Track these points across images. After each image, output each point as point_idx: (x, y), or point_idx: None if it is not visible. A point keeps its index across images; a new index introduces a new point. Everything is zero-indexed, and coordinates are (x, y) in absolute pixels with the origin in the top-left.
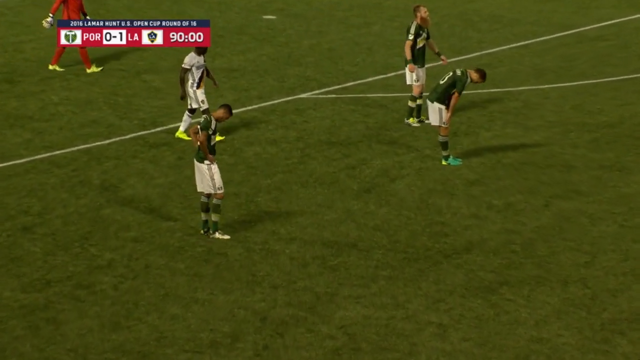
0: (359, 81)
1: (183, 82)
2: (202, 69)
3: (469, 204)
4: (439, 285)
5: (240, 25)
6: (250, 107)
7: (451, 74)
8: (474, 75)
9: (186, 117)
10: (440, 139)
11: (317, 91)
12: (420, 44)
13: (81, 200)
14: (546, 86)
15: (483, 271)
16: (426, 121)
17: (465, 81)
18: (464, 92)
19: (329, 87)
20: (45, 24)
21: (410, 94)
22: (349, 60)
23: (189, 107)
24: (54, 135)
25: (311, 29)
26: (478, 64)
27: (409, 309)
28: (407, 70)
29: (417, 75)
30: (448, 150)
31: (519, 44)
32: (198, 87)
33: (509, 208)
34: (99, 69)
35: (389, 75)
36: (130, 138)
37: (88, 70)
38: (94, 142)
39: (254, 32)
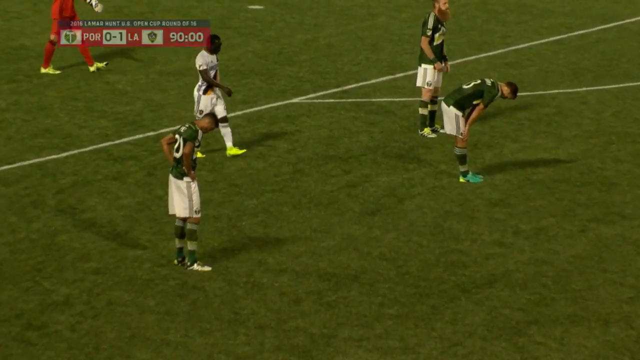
0: (361, 83)
1: (215, 82)
2: (214, 71)
3: (492, 228)
4: (456, 325)
5: (222, 16)
6: (233, 114)
7: (479, 81)
8: (505, 90)
9: (223, 128)
10: (457, 151)
11: (312, 95)
12: (438, 39)
13: (33, 225)
14: (583, 89)
15: (509, 309)
16: (441, 130)
17: (495, 94)
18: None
19: (327, 90)
20: (98, 8)
21: (420, 99)
22: (350, 59)
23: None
24: (1, 147)
25: (306, 21)
26: (503, 63)
27: (420, 353)
28: (420, 70)
29: (431, 76)
30: (466, 165)
31: (551, 38)
32: (205, 92)
33: (539, 234)
34: (103, 64)
35: (397, 76)
36: (91, 150)
37: (91, 69)
38: (48, 156)
39: (238, 24)
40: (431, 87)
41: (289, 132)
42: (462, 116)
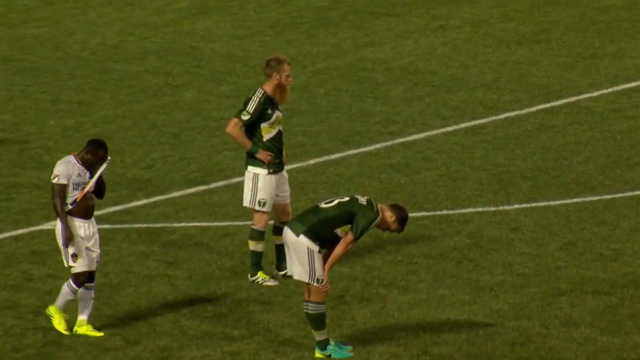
0: (155, 198)
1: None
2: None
3: None
4: None
5: None
6: None
7: (347, 199)
8: (388, 216)
9: None
10: (311, 308)
11: None
12: (272, 130)
13: None
14: (515, 206)
15: None
16: (280, 274)
17: (373, 220)
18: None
19: (107, 207)
20: None
21: (252, 228)
22: (139, 158)
23: None
24: None
25: (64, 98)
26: (385, 165)
27: None
28: (247, 178)
29: (267, 187)
30: (325, 331)
31: (462, 125)
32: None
33: None
34: None
35: (217, 184)
36: None
37: None
38: None
39: None
40: (265, 209)
41: (37, 276)
42: (319, 252)
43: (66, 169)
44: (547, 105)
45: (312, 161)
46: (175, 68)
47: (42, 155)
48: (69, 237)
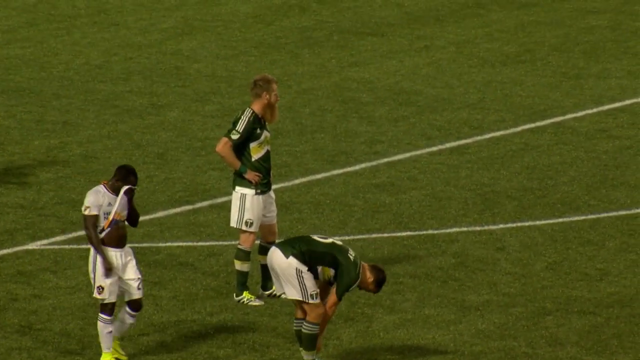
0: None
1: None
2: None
3: None
4: None
5: None
6: None
7: (339, 245)
8: (368, 277)
9: None
10: (306, 327)
11: (60, 237)
12: (260, 150)
13: None
14: (500, 226)
15: None
16: (265, 294)
17: (354, 281)
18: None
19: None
20: None
21: (238, 248)
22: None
23: None
24: None
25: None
26: (370, 185)
27: None
28: (234, 198)
29: (253, 209)
30: (314, 353)
31: (447, 145)
32: None
33: None
34: None
35: (202, 204)
36: None
37: None
38: None
39: None
40: (252, 229)
41: (22, 296)
42: (308, 271)
43: (96, 199)
44: (532, 125)
45: (297, 181)
46: (159, 88)
47: (27, 175)
48: (109, 268)
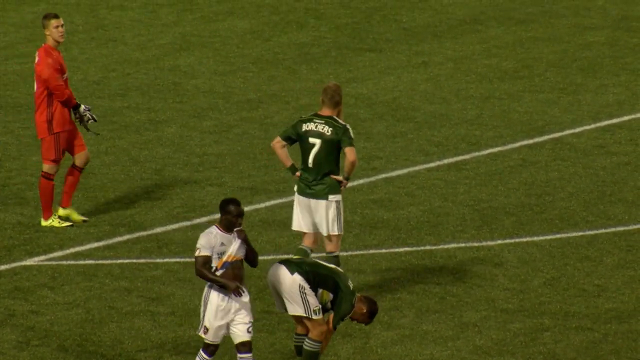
0: (138, 233)
1: None
2: None
3: None
4: None
5: None
6: None
7: (340, 272)
8: (359, 308)
9: None
10: (308, 345)
11: (59, 253)
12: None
13: None
14: (498, 242)
15: None
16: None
17: (348, 312)
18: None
19: (86, 244)
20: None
21: (336, 255)
22: (122, 195)
23: None
24: None
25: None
26: (368, 200)
27: None
28: (328, 208)
29: (300, 216)
30: None
31: (445, 161)
32: None
33: None
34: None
35: (195, 222)
36: None
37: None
38: None
39: None
40: (311, 229)
41: (19, 312)
42: (311, 288)
43: (208, 241)
44: (530, 141)
45: (289, 198)
46: (157, 104)
47: (24, 191)
48: (235, 286)
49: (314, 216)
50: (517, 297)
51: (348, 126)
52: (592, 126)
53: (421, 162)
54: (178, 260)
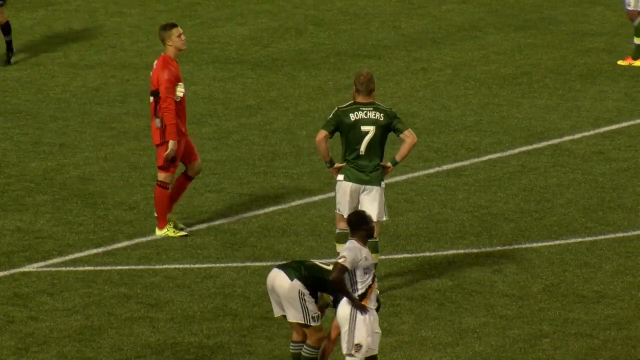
0: (137, 240)
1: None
2: None
3: None
4: None
5: None
6: None
7: None
8: None
9: None
10: (305, 352)
11: (58, 259)
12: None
13: None
14: (497, 249)
15: None
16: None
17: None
18: None
19: (88, 249)
20: None
21: (377, 240)
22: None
23: None
24: None
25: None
26: None
27: None
28: (379, 194)
29: (349, 202)
30: None
31: (445, 167)
32: None
33: None
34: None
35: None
36: None
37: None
38: None
39: None
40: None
41: (18, 319)
42: (310, 295)
43: (355, 257)
44: (529, 147)
45: (294, 203)
46: None
47: (24, 198)
48: (364, 306)
49: (363, 201)
50: (517, 303)
51: (393, 109)
52: (592, 132)
53: (420, 169)
54: (177, 266)
